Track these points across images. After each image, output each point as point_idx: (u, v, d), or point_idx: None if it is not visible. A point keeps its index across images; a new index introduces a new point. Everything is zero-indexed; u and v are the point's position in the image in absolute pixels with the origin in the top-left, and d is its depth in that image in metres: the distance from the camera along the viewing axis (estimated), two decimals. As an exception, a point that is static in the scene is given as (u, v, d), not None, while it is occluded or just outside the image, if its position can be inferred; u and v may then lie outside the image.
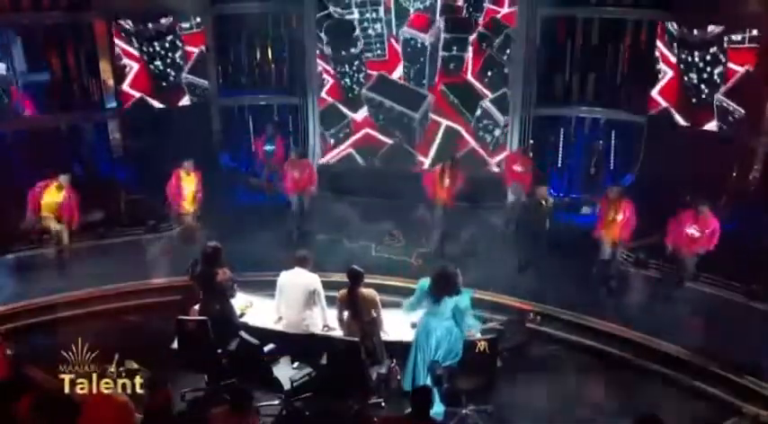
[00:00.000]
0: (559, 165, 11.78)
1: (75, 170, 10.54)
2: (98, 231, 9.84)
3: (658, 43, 10.23)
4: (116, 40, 10.70)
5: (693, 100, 9.94)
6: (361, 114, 11.66)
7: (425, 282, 5.92)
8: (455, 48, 11.05)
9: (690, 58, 9.84)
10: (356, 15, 11.20)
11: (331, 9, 11.27)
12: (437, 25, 10.95)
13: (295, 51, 11.85)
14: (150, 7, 10.81)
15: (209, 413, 4.79)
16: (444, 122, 11.43)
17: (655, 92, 10.38)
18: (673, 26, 9.99)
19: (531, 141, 11.29)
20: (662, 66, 10.24)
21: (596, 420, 6.32)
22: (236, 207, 10.77)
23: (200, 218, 9.63)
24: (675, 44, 10.00)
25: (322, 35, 11.35)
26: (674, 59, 10.07)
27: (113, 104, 11.07)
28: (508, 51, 10.93)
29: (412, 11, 11.01)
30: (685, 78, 9.96)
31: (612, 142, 11.53)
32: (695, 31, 9.65)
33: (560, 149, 11.73)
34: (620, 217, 8.09)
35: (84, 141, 11.56)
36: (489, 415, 6.07)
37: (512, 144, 11.27)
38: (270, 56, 12.44)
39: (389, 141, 11.64)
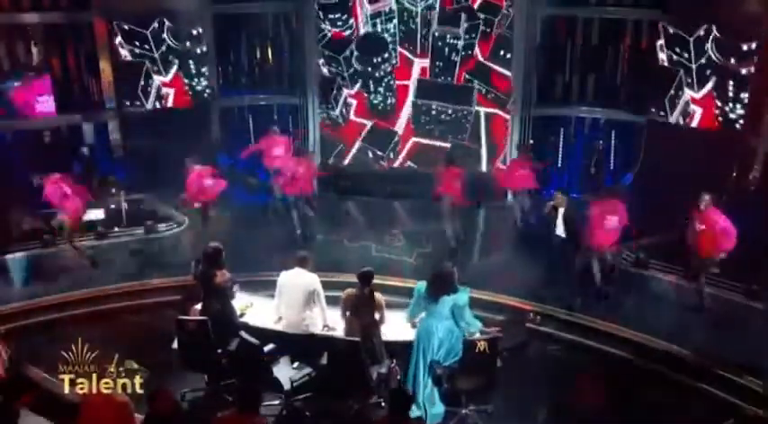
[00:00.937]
0: (559, 165, 11.79)
1: (76, 170, 10.56)
2: (98, 231, 9.84)
3: (686, 90, 9.95)
4: (155, 76, 10.98)
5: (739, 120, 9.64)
6: (400, 125, 11.72)
7: (421, 285, 5.92)
8: (467, 36, 11.14)
9: (727, 89, 9.57)
10: (369, 28, 11.30)
11: (328, 31, 11.39)
12: (464, 17, 11.01)
13: (295, 51, 11.85)
14: (150, 7, 10.82)
15: (216, 416, 4.77)
16: (482, 110, 11.45)
17: (695, 125, 10.07)
18: (714, 46, 9.57)
19: (531, 141, 11.30)
20: (692, 106, 9.95)
21: (596, 420, 6.31)
22: (235, 207, 10.78)
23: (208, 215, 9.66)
24: (695, 81, 9.83)
25: (352, 54, 11.42)
26: (698, 95, 9.83)
27: (113, 104, 11.06)
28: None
29: (419, 10, 11.09)
30: (724, 106, 9.66)
31: (612, 142, 11.55)
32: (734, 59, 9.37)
33: (560, 149, 11.73)
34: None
35: (83, 141, 11.56)
36: (489, 415, 6.07)
37: (512, 144, 11.29)
38: (270, 56, 12.46)
39: (445, 144, 11.59)
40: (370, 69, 11.47)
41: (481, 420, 6.02)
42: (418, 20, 11.21)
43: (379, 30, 11.33)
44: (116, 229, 10.01)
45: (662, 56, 10.21)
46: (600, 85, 11.52)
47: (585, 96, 11.65)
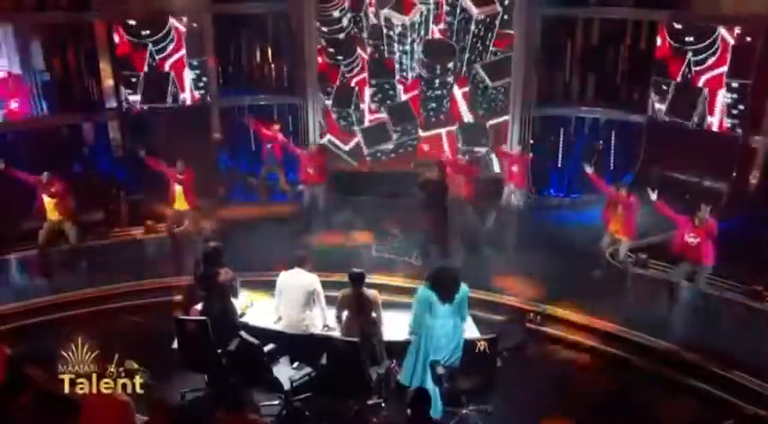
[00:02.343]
0: (559, 165, 11.79)
1: (76, 170, 10.56)
2: (98, 231, 9.84)
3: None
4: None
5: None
6: (468, 117, 11.67)
7: (426, 292, 5.73)
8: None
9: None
10: (407, 51, 11.41)
11: (343, 70, 11.57)
12: None
13: (295, 51, 11.86)
14: (150, 7, 10.82)
15: (215, 417, 4.78)
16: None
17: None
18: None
19: (532, 141, 11.30)
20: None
21: (596, 420, 6.31)
22: (234, 207, 10.80)
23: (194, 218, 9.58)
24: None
25: (415, 63, 11.45)
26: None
27: (113, 104, 11.07)
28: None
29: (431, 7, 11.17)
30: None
31: (612, 142, 11.55)
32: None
33: (560, 149, 11.73)
34: (622, 211, 8.16)
35: (84, 141, 11.55)
36: (489, 415, 6.07)
37: (512, 143, 11.29)
38: (270, 56, 12.46)
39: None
40: (433, 74, 11.46)
41: (481, 420, 6.02)
42: (430, 16, 11.22)
43: (416, 36, 11.36)
44: (116, 229, 10.02)
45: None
46: (600, 85, 11.53)
47: (585, 96, 11.66)
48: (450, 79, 11.46)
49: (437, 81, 11.50)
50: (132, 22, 10.64)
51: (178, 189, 9.17)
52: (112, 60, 10.78)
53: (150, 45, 10.79)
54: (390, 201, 10.83)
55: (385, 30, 11.37)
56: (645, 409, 6.47)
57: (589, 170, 8.89)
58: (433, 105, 11.65)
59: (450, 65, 11.37)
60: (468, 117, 11.60)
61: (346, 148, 12.03)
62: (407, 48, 11.44)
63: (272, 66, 12.51)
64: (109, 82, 10.94)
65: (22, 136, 10.81)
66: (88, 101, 11.29)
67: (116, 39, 10.62)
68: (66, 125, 11.26)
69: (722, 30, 9.49)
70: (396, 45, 11.43)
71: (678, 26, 10.03)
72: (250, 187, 11.67)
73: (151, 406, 4.61)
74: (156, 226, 10.02)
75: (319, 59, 11.67)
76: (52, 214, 8.58)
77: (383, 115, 11.79)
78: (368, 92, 11.69)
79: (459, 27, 11.22)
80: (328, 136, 12.02)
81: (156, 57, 10.88)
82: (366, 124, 11.89)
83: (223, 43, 12.01)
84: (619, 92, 11.49)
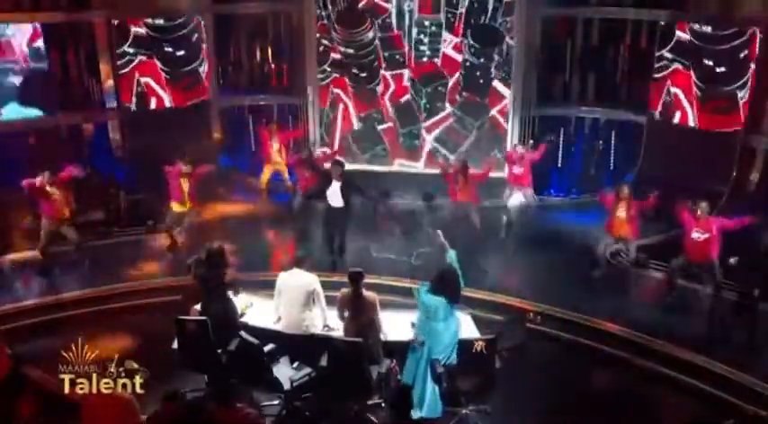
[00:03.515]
0: (559, 165, 11.79)
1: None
2: (98, 231, 9.84)
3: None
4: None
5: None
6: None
7: (427, 297, 5.73)
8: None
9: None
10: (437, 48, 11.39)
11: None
12: None
13: (295, 51, 11.85)
14: (150, 7, 10.83)
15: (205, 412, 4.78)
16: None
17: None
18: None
19: (531, 141, 11.30)
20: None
21: (596, 420, 6.32)
22: (234, 207, 10.81)
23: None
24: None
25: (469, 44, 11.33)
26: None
27: (113, 104, 11.06)
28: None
29: None
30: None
31: (612, 142, 11.55)
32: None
33: (560, 149, 11.74)
34: (624, 214, 8.15)
35: (84, 141, 11.55)
36: (489, 415, 6.07)
37: (512, 143, 11.29)
38: (270, 56, 12.47)
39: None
40: (487, 59, 11.32)
41: (481, 420, 6.03)
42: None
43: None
44: (116, 229, 10.03)
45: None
46: (600, 85, 11.53)
47: (585, 96, 11.67)
48: (501, 60, 11.32)
49: (492, 65, 11.32)
50: (179, 53, 11.08)
51: (186, 186, 9.14)
52: (112, 60, 10.77)
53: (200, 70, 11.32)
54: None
55: (415, 35, 11.32)
56: (645, 409, 6.47)
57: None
58: (480, 91, 11.50)
59: (497, 50, 11.24)
60: (505, 91, 11.43)
61: (420, 165, 11.90)
62: (438, 46, 11.37)
63: (272, 66, 12.52)
64: (109, 82, 10.94)
65: (20, 136, 10.83)
66: (88, 101, 11.29)
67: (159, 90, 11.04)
68: (66, 125, 11.26)
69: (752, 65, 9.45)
70: (427, 46, 11.38)
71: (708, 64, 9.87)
72: (250, 187, 11.66)
73: (162, 399, 4.62)
74: (156, 226, 10.03)
75: (338, 91, 11.65)
76: (54, 213, 8.58)
77: (446, 114, 11.62)
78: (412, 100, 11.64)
79: (472, 9, 11.06)
80: (398, 161, 11.95)
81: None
82: (427, 135, 11.76)
83: (223, 43, 12.02)
84: (619, 92, 11.49)
